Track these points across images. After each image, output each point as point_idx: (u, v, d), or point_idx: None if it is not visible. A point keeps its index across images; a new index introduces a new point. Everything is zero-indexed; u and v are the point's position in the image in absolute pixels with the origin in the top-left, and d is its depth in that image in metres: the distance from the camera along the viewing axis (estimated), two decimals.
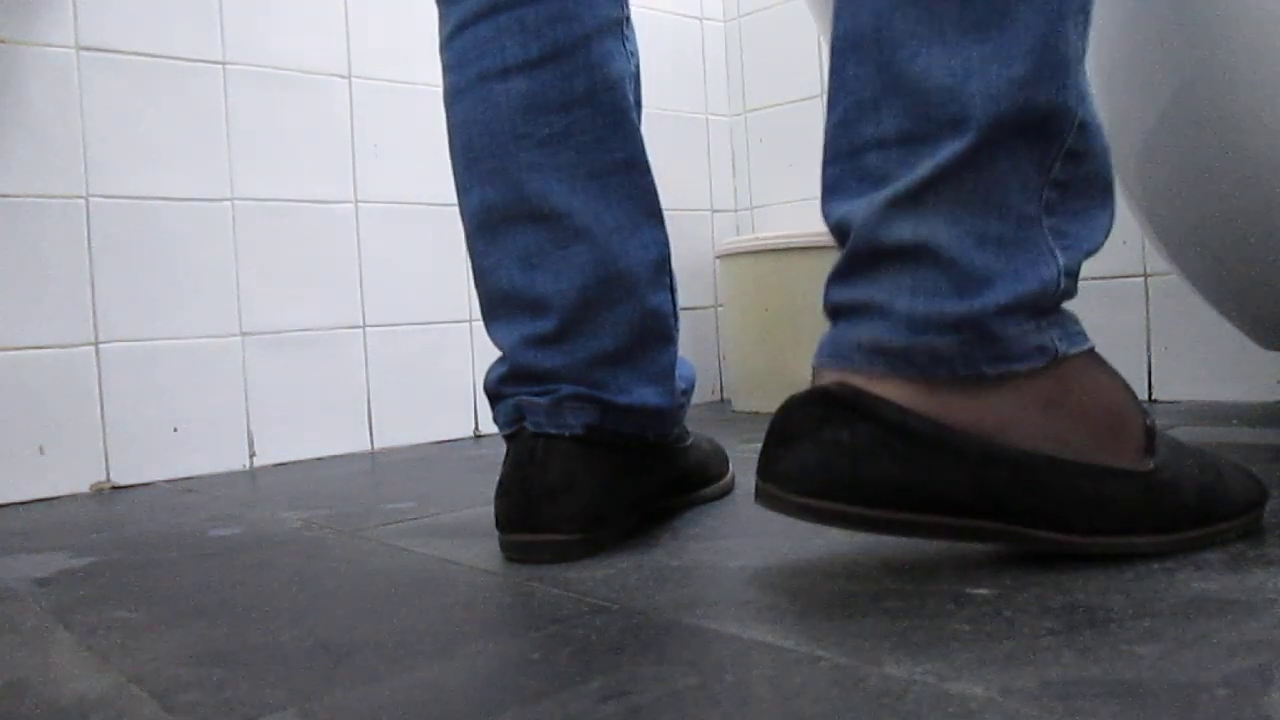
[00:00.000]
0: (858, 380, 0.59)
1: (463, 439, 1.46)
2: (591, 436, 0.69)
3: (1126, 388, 0.62)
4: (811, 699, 0.41)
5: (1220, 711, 0.37)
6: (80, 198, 1.17)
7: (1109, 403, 0.61)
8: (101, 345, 1.18)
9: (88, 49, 1.18)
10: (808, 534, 0.69)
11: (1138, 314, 1.39)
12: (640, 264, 0.71)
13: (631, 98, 0.73)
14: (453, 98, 0.73)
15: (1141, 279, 1.38)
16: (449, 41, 0.73)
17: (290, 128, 1.33)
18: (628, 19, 0.73)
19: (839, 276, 0.61)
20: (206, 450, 1.25)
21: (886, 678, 0.43)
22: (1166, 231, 0.97)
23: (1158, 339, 1.37)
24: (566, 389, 0.69)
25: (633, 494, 0.73)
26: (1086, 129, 0.59)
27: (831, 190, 0.62)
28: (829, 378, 0.60)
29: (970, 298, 0.57)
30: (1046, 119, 0.57)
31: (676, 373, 0.76)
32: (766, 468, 0.60)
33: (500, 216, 0.71)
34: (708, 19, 1.82)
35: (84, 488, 1.16)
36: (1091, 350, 0.61)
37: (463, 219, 0.74)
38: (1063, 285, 0.59)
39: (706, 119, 1.79)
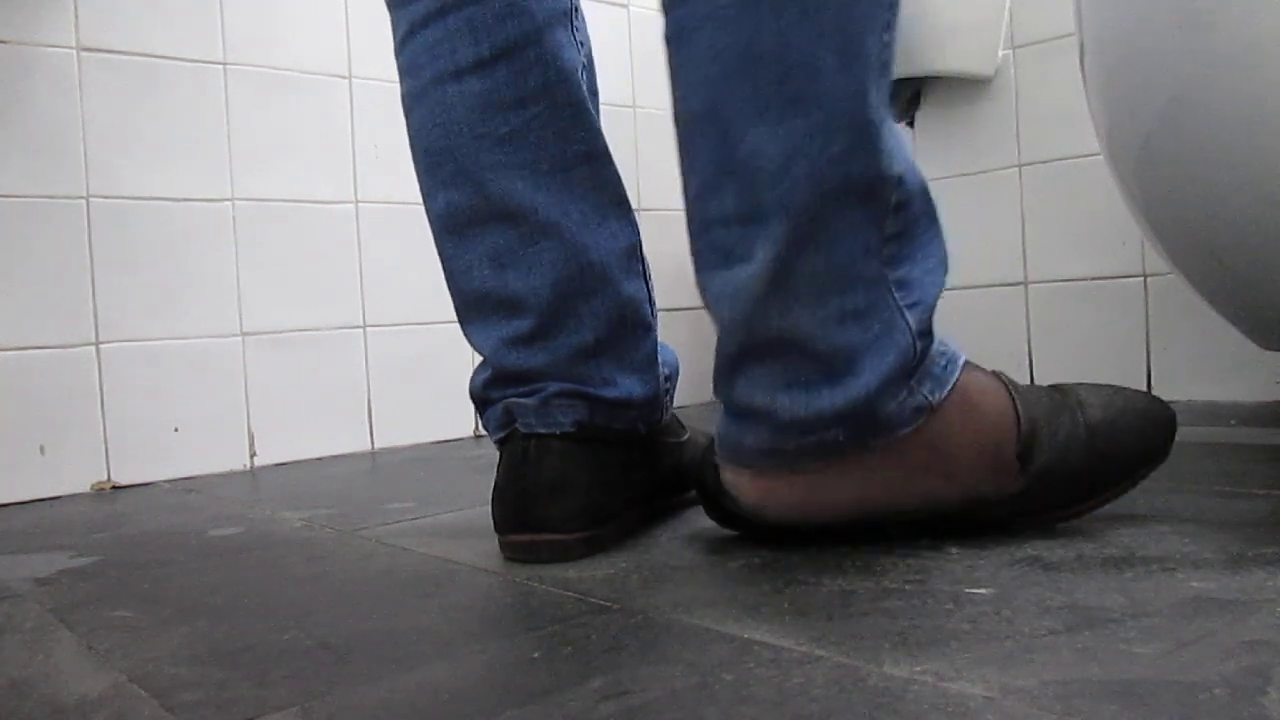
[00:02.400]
0: (758, 480, 0.66)
1: (463, 439, 1.46)
2: (583, 434, 0.69)
3: (999, 402, 0.66)
4: (811, 699, 0.41)
5: (1219, 711, 0.38)
6: (80, 198, 1.17)
7: (982, 437, 0.65)
8: (102, 345, 1.18)
9: (88, 49, 1.18)
10: (807, 534, 0.69)
11: (1137, 314, 1.39)
12: (611, 254, 0.71)
13: (586, 88, 0.73)
14: (410, 103, 0.73)
15: (1141, 279, 1.38)
16: (401, 47, 0.73)
17: (290, 128, 1.33)
18: (576, 9, 0.73)
19: (721, 373, 0.66)
20: (207, 450, 1.25)
21: (886, 677, 0.43)
22: (1166, 231, 0.97)
23: (1157, 339, 1.37)
24: (554, 386, 0.69)
25: (630, 491, 0.73)
26: (904, 179, 0.61)
27: (696, 264, 0.65)
28: (729, 473, 0.67)
29: (843, 384, 0.61)
30: (869, 186, 0.60)
31: (659, 359, 0.76)
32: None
33: (467, 218, 0.71)
34: None
35: (84, 488, 1.16)
36: (964, 369, 0.65)
37: (429, 223, 0.74)
38: (919, 345, 0.63)
39: None
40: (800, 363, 0.62)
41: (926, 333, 0.63)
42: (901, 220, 0.62)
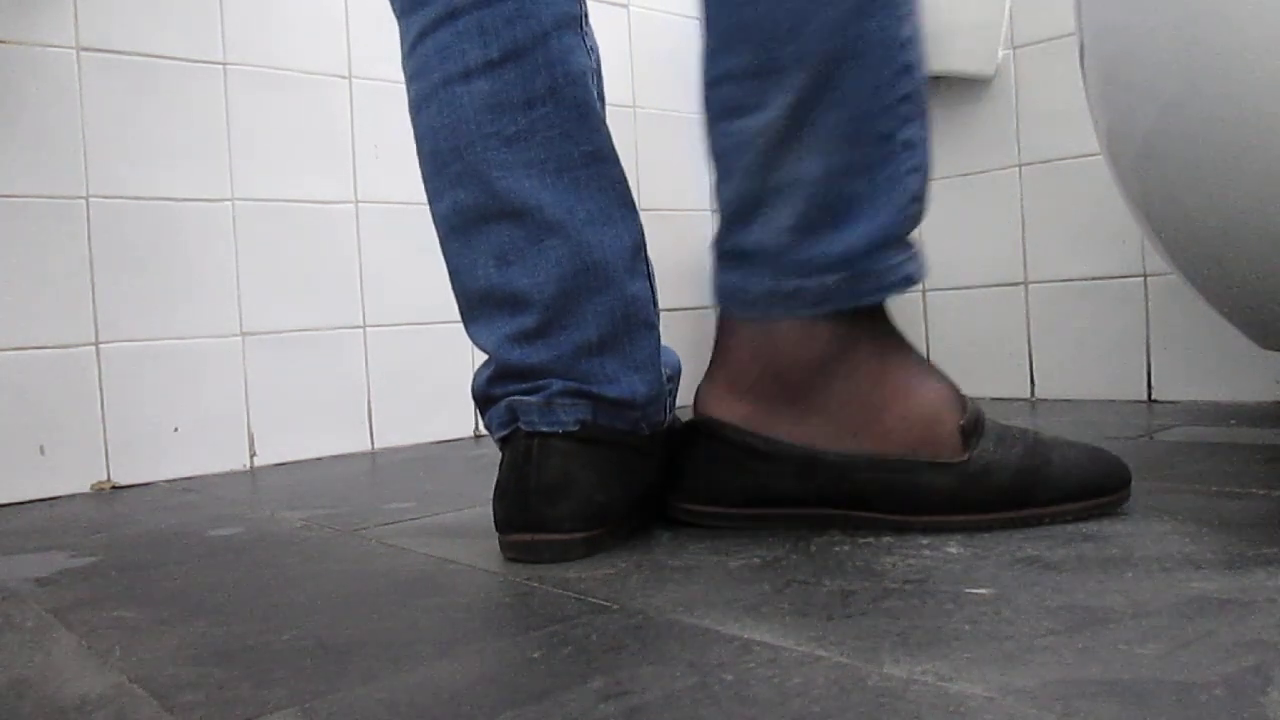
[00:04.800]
0: (759, 331, 0.72)
1: (463, 439, 1.46)
2: (586, 433, 0.69)
3: (945, 393, 0.70)
4: (811, 699, 0.41)
5: (1219, 711, 0.38)
6: (80, 198, 1.17)
7: (923, 414, 0.70)
8: (101, 345, 1.18)
9: (88, 49, 1.18)
10: (807, 534, 0.70)
11: (1137, 314, 1.39)
12: (615, 253, 0.71)
13: (595, 91, 0.74)
14: (418, 106, 0.73)
15: (1141, 279, 1.38)
16: (411, 52, 0.73)
17: (290, 128, 1.33)
18: (586, 16, 0.74)
19: (731, 220, 0.72)
20: (206, 450, 1.25)
21: (886, 678, 0.43)
22: (1166, 231, 0.97)
23: (1157, 339, 1.37)
24: (557, 384, 0.69)
25: (631, 492, 0.73)
26: (914, 40, 0.68)
27: (706, 116, 0.72)
28: (731, 323, 0.73)
29: (845, 232, 0.67)
30: (879, 44, 0.66)
31: (661, 359, 0.76)
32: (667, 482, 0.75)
33: (473, 217, 0.71)
34: None
35: (84, 488, 1.16)
36: (920, 362, 0.71)
37: (435, 225, 0.74)
38: (915, 210, 0.69)
39: None
40: (809, 208, 0.68)
41: (921, 199, 0.69)
42: (911, 81, 0.67)
